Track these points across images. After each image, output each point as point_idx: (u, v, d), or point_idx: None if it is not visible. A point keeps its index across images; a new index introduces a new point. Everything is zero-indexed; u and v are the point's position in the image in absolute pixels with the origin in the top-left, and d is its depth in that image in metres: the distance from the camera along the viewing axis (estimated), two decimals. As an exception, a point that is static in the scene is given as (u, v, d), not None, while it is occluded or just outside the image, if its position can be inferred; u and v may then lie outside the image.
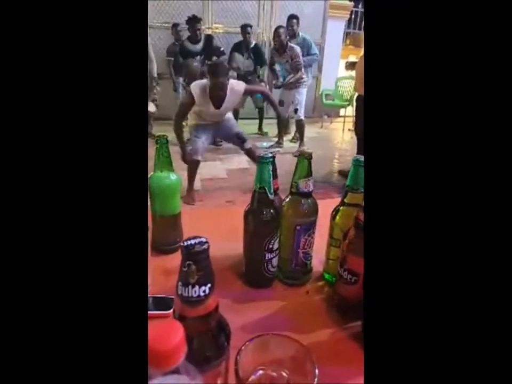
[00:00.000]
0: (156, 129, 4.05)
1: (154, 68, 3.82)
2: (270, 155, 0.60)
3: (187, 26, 3.74)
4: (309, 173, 0.62)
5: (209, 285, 0.33)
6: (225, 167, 3.38)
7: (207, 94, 2.32)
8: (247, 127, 4.41)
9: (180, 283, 0.33)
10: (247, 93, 2.56)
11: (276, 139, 4.03)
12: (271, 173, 0.61)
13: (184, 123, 2.56)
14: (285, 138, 4.10)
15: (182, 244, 0.33)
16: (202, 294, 0.33)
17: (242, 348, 0.34)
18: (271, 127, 4.52)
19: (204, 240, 0.33)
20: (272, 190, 0.61)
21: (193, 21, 3.65)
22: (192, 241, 0.33)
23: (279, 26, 3.44)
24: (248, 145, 2.62)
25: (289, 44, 3.41)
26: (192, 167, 2.53)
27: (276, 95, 3.98)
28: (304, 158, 0.61)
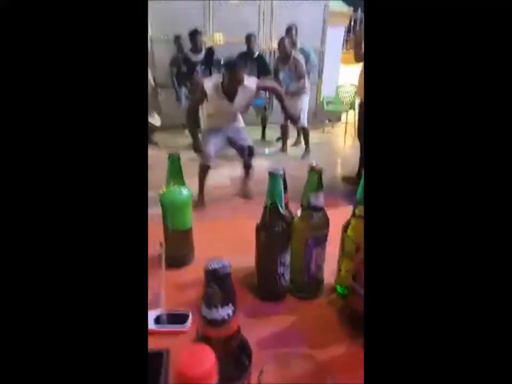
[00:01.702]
0: (160, 137, 4.08)
1: (151, 80, 3.91)
2: (281, 171, 0.61)
3: (189, 38, 3.82)
4: (320, 187, 0.63)
5: (232, 307, 0.34)
6: (228, 175, 3.40)
7: (220, 89, 2.36)
8: (250, 134, 4.45)
9: (203, 305, 0.34)
10: (259, 89, 2.56)
11: (277, 144, 4.10)
12: (282, 188, 0.62)
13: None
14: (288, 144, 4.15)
15: (205, 267, 0.34)
16: (225, 315, 0.34)
17: (264, 369, 0.35)
18: (272, 132, 4.55)
19: (226, 263, 0.34)
20: (283, 205, 0.62)
21: (194, 34, 3.81)
22: (216, 265, 0.33)
23: (284, 37, 3.51)
24: (251, 161, 2.66)
25: (293, 52, 3.47)
26: (202, 172, 2.57)
27: (278, 103, 4.02)
28: (314, 173, 0.62)
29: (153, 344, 0.54)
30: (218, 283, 0.33)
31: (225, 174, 3.41)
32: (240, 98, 2.43)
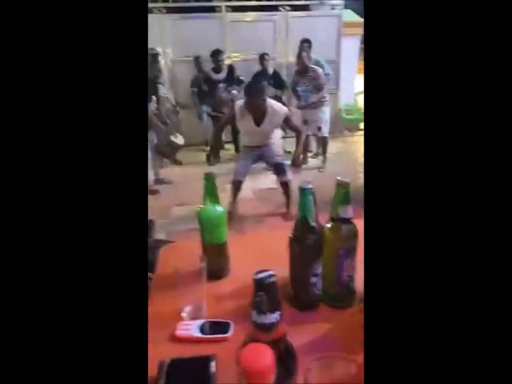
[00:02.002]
0: (182, 154, 4.22)
1: (172, 99, 4.06)
2: (311, 186, 0.66)
3: (210, 58, 3.98)
4: (347, 200, 0.66)
5: (279, 312, 0.38)
6: (251, 187, 3.45)
7: (246, 112, 2.48)
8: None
9: (253, 311, 0.38)
10: (286, 123, 2.61)
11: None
12: (312, 202, 0.66)
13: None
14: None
15: (254, 277, 0.38)
16: (274, 320, 0.38)
17: (310, 367, 0.38)
18: (291, 144, 4.60)
19: (272, 273, 0.38)
20: (314, 218, 0.66)
21: (216, 54, 3.99)
22: (263, 275, 0.38)
23: (301, 51, 3.58)
24: (284, 178, 2.71)
25: (311, 66, 3.53)
26: (234, 187, 2.70)
27: (298, 115, 4.09)
28: (341, 187, 0.66)
29: (199, 350, 0.59)
30: (266, 291, 0.37)
31: (248, 186, 3.47)
32: (268, 122, 2.53)
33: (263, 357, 0.29)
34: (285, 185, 2.74)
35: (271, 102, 2.53)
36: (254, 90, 2.46)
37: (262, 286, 0.37)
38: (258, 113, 2.47)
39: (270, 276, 0.38)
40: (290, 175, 2.71)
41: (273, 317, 0.38)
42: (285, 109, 2.60)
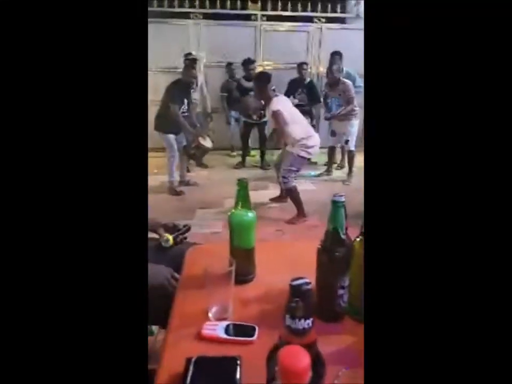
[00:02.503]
0: (210, 158, 4.30)
1: (208, 105, 4.16)
2: (343, 199, 0.67)
3: (242, 67, 4.06)
4: (379, 216, 0.67)
5: (311, 319, 0.40)
6: (270, 196, 3.47)
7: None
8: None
9: (288, 316, 0.40)
10: (274, 118, 2.70)
11: (325, 167, 4.14)
12: (343, 215, 0.67)
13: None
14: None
15: (290, 283, 0.40)
16: (306, 326, 0.39)
17: (339, 374, 0.39)
18: (319, 156, 4.60)
19: (308, 281, 0.40)
20: (344, 231, 0.67)
21: (248, 63, 4.07)
22: (299, 282, 0.40)
23: (332, 64, 3.63)
24: (287, 185, 2.78)
25: (342, 78, 3.55)
26: (293, 194, 2.81)
27: (326, 126, 4.09)
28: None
29: (224, 351, 0.61)
30: (301, 297, 0.39)
31: (265, 194, 3.49)
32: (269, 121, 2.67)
33: (302, 358, 0.31)
34: (289, 192, 2.83)
35: (271, 104, 2.62)
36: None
37: (298, 293, 0.39)
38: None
39: (306, 283, 0.39)
40: (293, 182, 2.79)
41: (306, 323, 0.39)
42: (274, 107, 2.63)
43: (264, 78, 2.72)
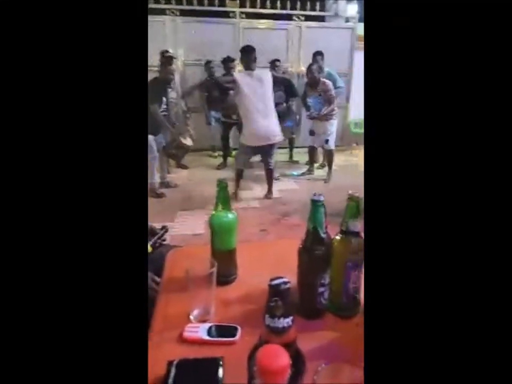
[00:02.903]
0: (190, 159, 4.27)
1: (183, 104, 4.14)
2: (322, 198, 0.69)
3: (222, 65, 4.05)
4: (358, 214, 0.69)
5: (291, 317, 0.41)
6: (256, 196, 3.49)
7: None
8: (279, 156, 4.56)
9: (267, 315, 0.41)
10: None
11: (307, 166, 4.20)
12: (323, 214, 0.69)
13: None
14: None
15: (269, 283, 0.41)
16: (286, 324, 0.41)
17: (319, 369, 0.41)
18: (301, 155, 4.66)
19: (286, 280, 0.41)
20: (324, 230, 0.69)
21: (227, 61, 4.04)
22: (278, 281, 0.41)
23: (312, 64, 3.67)
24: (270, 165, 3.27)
25: (322, 79, 3.60)
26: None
27: (307, 125, 4.13)
28: (353, 201, 0.69)
29: (206, 353, 0.62)
30: (280, 296, 0.40)
31: (248, 195, 3.51)
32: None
33: (281, 357, 0.32)
34: (270, 172, 3.36)
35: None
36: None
37: (277, 292, 0.40)
38: None
39: (285, 282, 0.41)
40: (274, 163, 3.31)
41: (285, 322, 0.40)
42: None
43: (250, 48, 3.05)
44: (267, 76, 3.05)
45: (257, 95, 2.97)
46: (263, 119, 2.99)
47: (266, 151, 3.19)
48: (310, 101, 3.77)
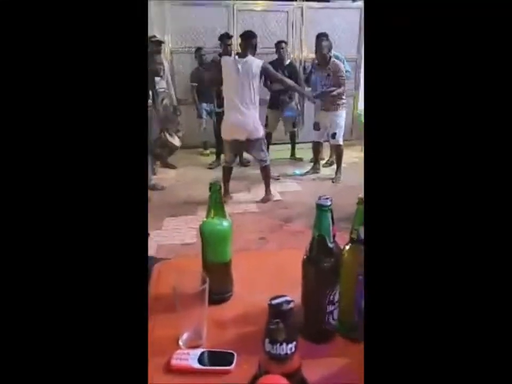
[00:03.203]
0: (180, 156, 4.26)
1: (173, 96, 4.11)
2: (329, 202, 0.67)
3: (219, 42, 4.01)
4: (370, 220, 0.68)
5: (295, 342, 0.40)
6: (254, 198, 3.48)
7: None
8: (279, 153, 4.56)
9: (267, 340, 0.40)
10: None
11: (311, 164, 4.19)
12: (330, 220, 0.67)
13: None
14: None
15: (269, 302, 0.40)
16: (289, 351, 0.39)
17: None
18: (304, 152, 4.65)
19: (289, 299, 0.40)
20: (331, 238, 0.68)
21: (225, 37, 3.98)
22: (279, 300, 0.40)
23: (322, 38, 3.60)
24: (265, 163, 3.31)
25: (332, 58, 3.57)
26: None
27: (311, 117, 4.13)
28: (363, 206, 0.67)
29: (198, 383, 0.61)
30: (282, 318, 0.39)
31: (251, 198, 3.51)
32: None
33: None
34: (265, 170, 3.34)
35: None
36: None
37: (278, 313, 0.39)
38: None
39: (287, 301, 0.39)
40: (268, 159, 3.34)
41: (288, 348, 0.39)
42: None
43: (248, 35, 3.14)
44: (256, 68, 3.02)
45: (237, 84, 2.99)
46: (238, 111, 3.01)
47: (249, 146, 3.20)
48: (313, 79, 3.76)
